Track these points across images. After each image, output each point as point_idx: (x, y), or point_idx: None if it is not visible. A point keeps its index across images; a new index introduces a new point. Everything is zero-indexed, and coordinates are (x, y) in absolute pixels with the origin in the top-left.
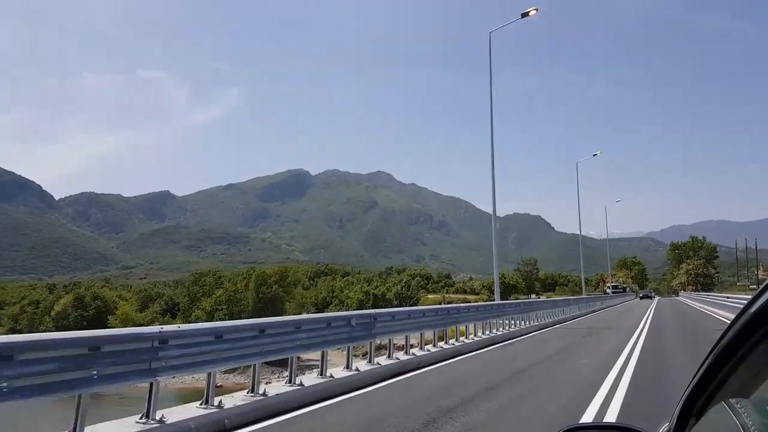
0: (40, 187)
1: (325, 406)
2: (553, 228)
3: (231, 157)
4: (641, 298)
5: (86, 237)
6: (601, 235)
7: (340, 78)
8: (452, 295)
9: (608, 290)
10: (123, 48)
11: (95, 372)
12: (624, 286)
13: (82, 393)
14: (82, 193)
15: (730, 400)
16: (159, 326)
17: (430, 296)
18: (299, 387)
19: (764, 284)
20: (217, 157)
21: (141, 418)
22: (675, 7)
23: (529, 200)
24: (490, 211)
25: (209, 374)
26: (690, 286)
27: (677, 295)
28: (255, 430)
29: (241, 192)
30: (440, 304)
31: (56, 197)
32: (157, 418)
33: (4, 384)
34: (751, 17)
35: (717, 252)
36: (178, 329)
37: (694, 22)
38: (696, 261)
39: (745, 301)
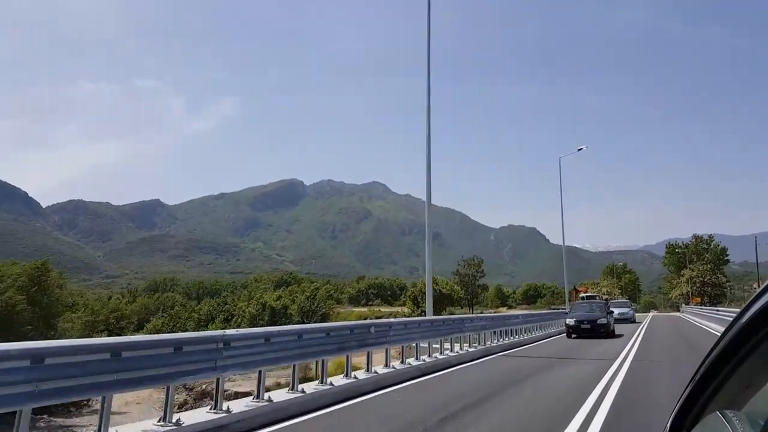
0: (26, 194)
1: None
2: (548, 240)
3: (225, 167)
4: (571, 331)
5: (71, 245)
6: (596, 248)
7: (338, 88)
8: (384, 309)
9: None
10: (119, 56)
11: None
12: (605, 297)
13: None
14: (70, 200)
15: (722, 411)
16: None
17: (357, 310)
18: None
19: (755, 295)
20: (211, 167)
21: None
22: (675, 18)
23: (524, 212)
24: (485, 223)
25: None
26: (696, 298)
27: (679, 311)
28: None
29: (233, 201)
30: (365, 319)
31: (43, 205)
32: None
33: None
34: (747, 30)
35: (728, 255)
36: None
37: (691, 32)
38: (702, 266)
39: None
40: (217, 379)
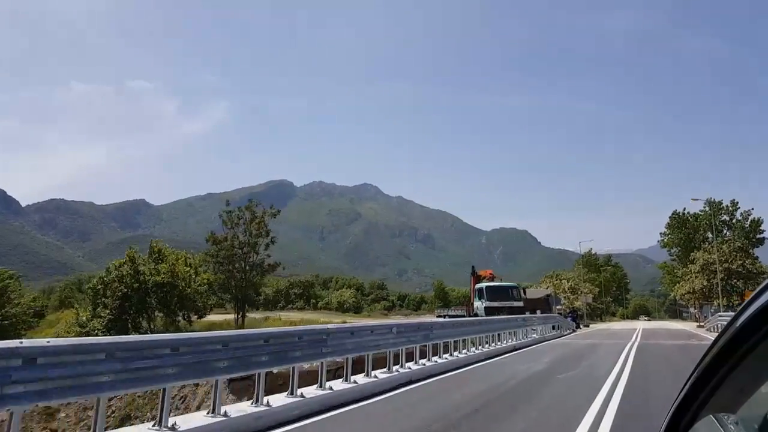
0: (5, 192)
1: None
2: (539, 243)
3: (215, 168)
4: None
5: (50, 245)
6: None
7: (331, 91)
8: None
9: (476, 305)
10: (112, 58)
11: None
12: (548, 295)
13: None
14: (51, 199)
15: (716, 415)
16: None
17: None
18: None
19: (748, 299)
20: (200, 168)
21: None
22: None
23: (516, 215)
24: (478, 226)
25: None
26: (750, 292)
27: (702, 324)
28: None
29: (220, 202)
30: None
31: (23, 204)
32: None
33: None
34: (745, 35)
35: (763, 230)
36: None
37: (686, 39)
38: (726, 244)
39: None
40: None
